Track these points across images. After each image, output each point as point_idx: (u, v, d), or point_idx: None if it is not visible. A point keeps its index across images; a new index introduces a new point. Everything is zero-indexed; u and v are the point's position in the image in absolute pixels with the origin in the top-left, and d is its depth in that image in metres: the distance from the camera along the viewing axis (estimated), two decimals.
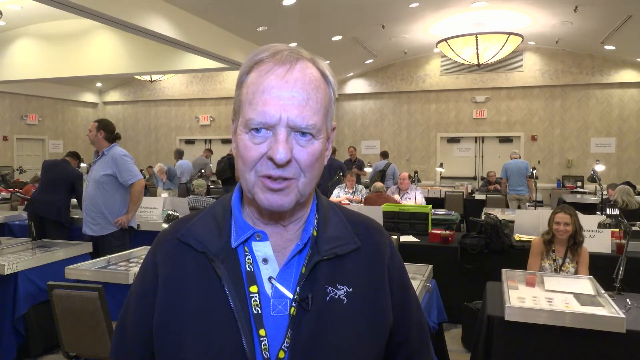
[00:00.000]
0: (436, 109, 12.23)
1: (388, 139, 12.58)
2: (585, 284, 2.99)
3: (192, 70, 8.92)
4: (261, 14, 7.20)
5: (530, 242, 4.24)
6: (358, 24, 8.54)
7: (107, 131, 4.11)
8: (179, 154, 10.33)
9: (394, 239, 4.29)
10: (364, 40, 9.68)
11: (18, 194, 6.77)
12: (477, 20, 8.77)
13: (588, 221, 4.34)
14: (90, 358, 2.68)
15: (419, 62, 12.10)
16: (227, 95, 13.48)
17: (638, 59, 10.27)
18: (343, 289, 0.80)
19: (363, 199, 6.65)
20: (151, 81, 12.81)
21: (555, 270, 3.49)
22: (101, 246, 4.05)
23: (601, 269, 3.42)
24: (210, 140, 14.02)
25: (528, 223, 4.78)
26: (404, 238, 4.70)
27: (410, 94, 12.36)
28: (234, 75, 13.12)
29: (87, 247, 4.03)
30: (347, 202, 6.65)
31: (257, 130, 0.74)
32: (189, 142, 14.15)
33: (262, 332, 0.76)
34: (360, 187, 7.22)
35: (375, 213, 5.06)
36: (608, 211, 5.55)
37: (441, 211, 6.77)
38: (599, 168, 7.75)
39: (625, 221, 3.69)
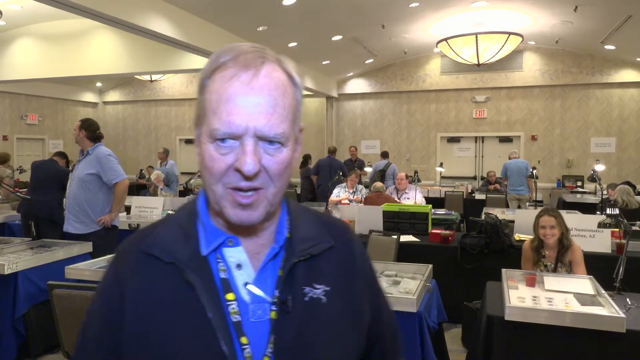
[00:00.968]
0: (436, 108, 12.23)
1: (388, 138, 12.58)
2: (585, 284, 2.99)
3: (192, 70, 8.90)
4: (261, 13, 7.20)
5: None
6: (358, 23, 8.54)
7: (89, 130, 4.14)
8: (166, 153, 9.43)
9: (394, 239, 4.30)
10: (364, 40, 9.67)
11: (18, 193, 6.77)
12: (477, 20, 8.77)
13: (588, 221, 4.34)
14: None
15: (419, 62, 12.10)
16: None
17: (638, 59, 10.27)
18: (321, 288, 0.79)
19: (363, 199, 6.66)
20: (151, 81, 12.81)
21: None
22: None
23: (601, 268, 3.41)
24: None
25: (528, 223, 4.73)
26: (404, 238, 4.69)
27: (410, 94, 12.36)
28: None
29: (87, 246, 4.03)
30: (347, 201, 6.65)
31: (223, 140, 0.70)
32: (189, 142, 14.14)
33: (243, 340, 0.73)
34: (361, 187, 7.22)
35: (375, 213, 5.06)
36: (608, 211, 5.55)
37: (441, 211, 6.77)
38: (599, 168, 7.74)
39: (625, 221, 3.69)
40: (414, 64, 12.12)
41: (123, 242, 0.84)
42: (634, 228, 4.28)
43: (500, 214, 5.77)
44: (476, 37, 8.76)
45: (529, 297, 2.82)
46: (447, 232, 4.72)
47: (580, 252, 3.47)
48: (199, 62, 8.32)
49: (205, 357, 0.72)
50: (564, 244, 3.44)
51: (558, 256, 3.46)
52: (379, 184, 6.82)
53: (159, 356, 0.73)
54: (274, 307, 0.75)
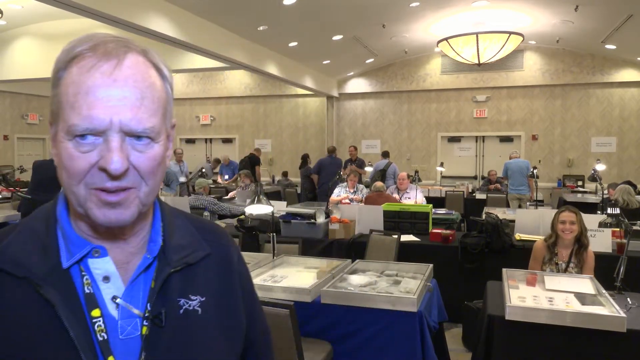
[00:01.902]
0: (437, 108, 12.22)
1: (388, 138, 12.58)
2: (586, 284, 2.99)
3: (192, 69, 8.92)
4: (262, 13, 7.20)
5: (530, 241, 4.24)
6: (358, 23, 8.54)
7: None
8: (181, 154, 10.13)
9: (394, 238, 4.30)
10: (365, 40, 9.67)
11: (19, 193, 6.77)
12: (477, 19, 8.77)
13: (589, 220, 4.33)
14: None
15: (419, 62, 12.09)
16: (228, 95, 13.49)
17: (639, 59, 10.27)
18: (196, 299, 0.75)
19: (364, 199, 6.66)
20: None
21: None
22: None
23: (602, 268, 3.41)
24: (211, 140, 14.03)
25: (529, 222, 4.78)
26: (405, 237, 4.69)
27: (411, 94, 12.36)
28: (234, 75, 13.13)
29: None
30: (347, 201, 6.65)
31: (83, 137, 0.64)
32: (190, 141, 14.16)
33: (110, 359, 0.67)
34: (361, 186, 7.23)
35: (376, 212, 5.07)
36: (609, 210, 5.50)
37: (442, 210, 6.77)
38: (600, 167, 7.75)
39: (626, 220, 3.67)
40: (414, 63, 12.12)
41: None
42: (634, 228, 4.26)
43: (501, 213, 5.77)
44: (477, 36, 8.75)
45: (529, 296, 2.82)
46: (448, 231, 4.72)
47: (593, 259, 3.46)
48: (200, 61, 8.32)
49: None
50: (582, 242, 3.45)
51: (571, 255, 3.45)
52: (379, 183, 6.82)
53: None
54: (145, 323, 0.70)
